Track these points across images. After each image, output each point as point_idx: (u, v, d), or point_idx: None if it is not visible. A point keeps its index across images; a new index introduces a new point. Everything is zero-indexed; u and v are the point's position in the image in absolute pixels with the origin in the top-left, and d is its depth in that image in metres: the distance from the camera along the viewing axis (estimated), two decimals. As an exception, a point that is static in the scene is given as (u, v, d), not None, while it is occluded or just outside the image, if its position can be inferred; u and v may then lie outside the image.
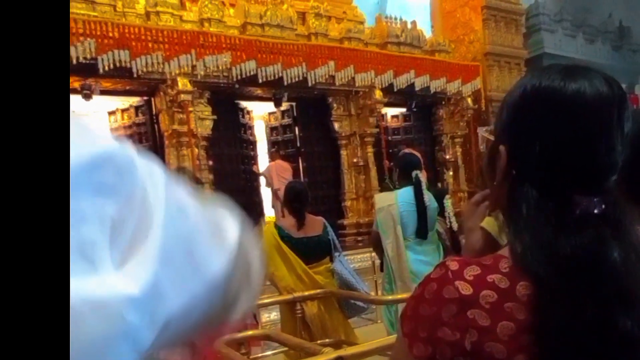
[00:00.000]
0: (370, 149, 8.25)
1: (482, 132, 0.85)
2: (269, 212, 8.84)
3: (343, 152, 8.23)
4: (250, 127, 8.18)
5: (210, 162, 6.92)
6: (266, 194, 8.38)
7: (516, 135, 0.71)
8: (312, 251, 3.32)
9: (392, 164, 8.78)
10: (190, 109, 6.38)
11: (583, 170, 0.67)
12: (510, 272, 0.66)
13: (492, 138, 0.77)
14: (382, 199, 3.90)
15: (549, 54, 10.67)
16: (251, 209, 7.76)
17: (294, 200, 3.39)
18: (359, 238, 7.76)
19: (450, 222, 3.91)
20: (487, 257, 0.70)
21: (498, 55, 9.65)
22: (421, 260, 3.63)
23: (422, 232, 3.66)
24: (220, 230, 0.49)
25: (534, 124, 0.68)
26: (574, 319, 0.62)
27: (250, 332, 2.67)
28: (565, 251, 0.64)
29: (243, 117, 7.96)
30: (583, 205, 0.66)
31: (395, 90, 8.19)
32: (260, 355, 2.86)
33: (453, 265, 0.68)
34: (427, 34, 9.53)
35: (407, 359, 0.69)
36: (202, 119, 6.68)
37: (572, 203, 0.66)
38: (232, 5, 7.44)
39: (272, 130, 8.78)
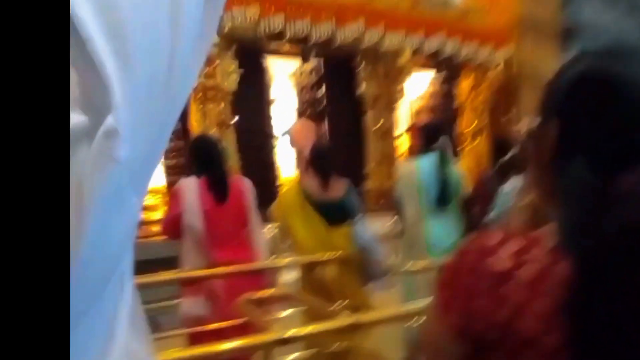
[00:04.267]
0: (396, 113, 8.14)
1: (525, 123, 0.84)
2: (289, 172, 8.87)
3: (368, 115, 8.13)
4: (273, 84, 8.11)
5: (236, 118, 6.89)
6: (285, 153, 8.37)
7: (566, 112, 0.71)
8: (334, 214, 3.33)
9: (409, 131, 8.74)
10: (217, 61, 6.33)
11: (631, 148, 0.66)
12: (551, 251, 0.66)
13: (534, 124, 0.77)
14: (404, 166, 3.91)
15: (586, 24, 10.31)
16: (269, 168, 7.81)
17: (319, 161, 3.38)
18: (381, 202, 7.75)
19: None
20: (529, 234, 0.70)
21: (533, 21, 9.34)
22: (441, 231, 3.64)
23: (443, 201, 3.66)
24: None
25: (585, 102, 0.69)
26: (614, 300, 0.61)
27: (270, 291, 2.72)
28: (611, 228, 0.63)
29: (269, 73, 7.89)
30: (630, 182, 0.65)
31: (424, 52, 8.01)
32: (279, 315, 2.92)
33: (493, 237, 0.68)
34: (461, -5, 9.24)
35: (440, 327, 0.70)
36: (229, 73, 6.62)
37: (618, 180, 0.65)
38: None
39: (301, 88, 8.70)
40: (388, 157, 8.12)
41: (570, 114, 0.71)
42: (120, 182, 0.33)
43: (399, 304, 3.41)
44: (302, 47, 7.39)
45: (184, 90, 0.39)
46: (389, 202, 7.06)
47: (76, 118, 0.30)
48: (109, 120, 0.31)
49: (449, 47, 8.15)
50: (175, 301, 2.87)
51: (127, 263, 0.39)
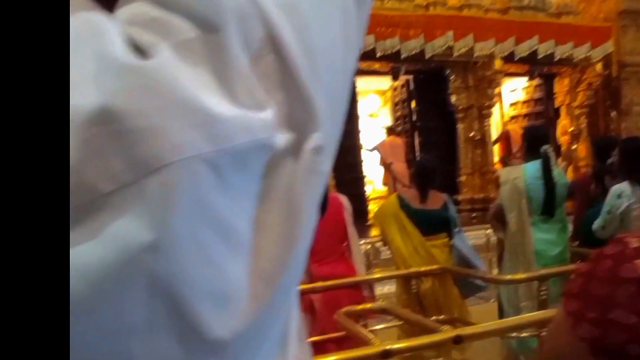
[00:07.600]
0: (487, 123, 7.90)
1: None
2: (379, 187, 8.89)
3: (459, 126, 7.95)
4: (364, 102, 8.22)
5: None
6: (376, 168, 8.40)
7: None
8: (429, 224, 3.32)
9: (500, 140, 8.43)
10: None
11: None
12: None
13: None
14: (508, 172, 3.79)
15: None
16: (361, 183, 7.86)
17: (419, 175, 3.45)
18: (473, 214, 7.51)
19: None
20: None
21: (635, 13, 8.63)
22: (545, 239, 3.49)
23: (548, 209, 3.51)
24: None
25: None
26: None
27: (368, 305, 2.74)
28: None
29: (360, 92, 8.01)
30: None
31: (515, 59, 7.74)
32: (376, 327, 2.93)
33: (633, 241, 0.63)
34: (553, -6, 8.85)
35: (568, 338, 0.65)
36: (322, 95, 6.80)
37: None
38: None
39: (393, 104, 8.75)
40: (480, 167, 7.90)
41: None
42: (320, 193, 0.35)
43: (499, 317, 3.30)
44: (392, 64, 7.44)
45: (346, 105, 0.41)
46: (482, 212, 6.86)
47: (283, 136, 0.32)
48: (316, 137, 0.33)
49: (543, 50, 7.81)
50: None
51: None
